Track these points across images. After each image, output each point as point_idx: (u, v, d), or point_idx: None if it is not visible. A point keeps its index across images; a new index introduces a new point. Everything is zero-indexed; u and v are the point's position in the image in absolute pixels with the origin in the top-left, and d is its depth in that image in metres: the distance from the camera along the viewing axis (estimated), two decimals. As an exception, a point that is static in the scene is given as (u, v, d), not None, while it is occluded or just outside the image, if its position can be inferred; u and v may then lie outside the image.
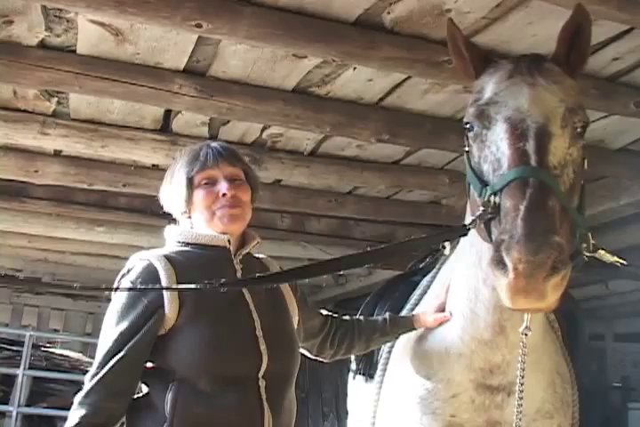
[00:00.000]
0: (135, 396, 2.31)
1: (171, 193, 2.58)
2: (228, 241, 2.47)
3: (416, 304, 3.07)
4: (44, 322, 10.36)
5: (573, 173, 2.11)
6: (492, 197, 2.05)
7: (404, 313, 3.08)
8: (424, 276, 3.20)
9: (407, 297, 3.21)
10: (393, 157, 5.11)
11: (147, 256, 2.38)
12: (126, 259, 2.46)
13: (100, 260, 8.05)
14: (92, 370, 2.23)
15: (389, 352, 3.03)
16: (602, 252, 2.22)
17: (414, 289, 3.19)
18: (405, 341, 2.93)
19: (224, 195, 2.47)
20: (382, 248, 2.33)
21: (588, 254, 2.17)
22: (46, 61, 3.62)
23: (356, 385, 3.51)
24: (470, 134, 2.26)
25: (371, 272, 7.78)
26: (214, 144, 2.61)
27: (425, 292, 3.08)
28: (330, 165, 5.10)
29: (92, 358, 2.44)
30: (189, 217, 2.55)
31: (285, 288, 2.64)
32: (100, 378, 2.19)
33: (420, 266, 3.53)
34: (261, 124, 4.45)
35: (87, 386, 2.20)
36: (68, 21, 3.42)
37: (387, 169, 5.23)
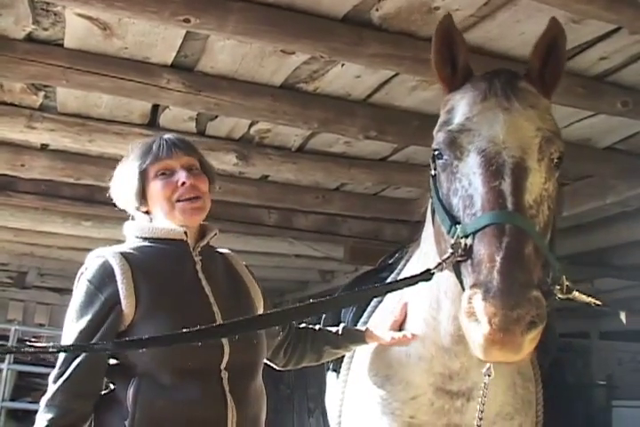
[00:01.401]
0: (102, 393, 2.29)
1: (122, 188, 2.53)
2: (185, 233, 2.44)
3: (380, 302, 3.01)
4: (29, 316, 10.36)
5: (548, 210, 1.98)
6: (464, 238, 1.89)
7: (366, 312, 3.04)
8: (392, 272, 3.15)
9: None
10: (380, 153, 5.11)
11: (103, 253, 2.38)
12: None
13: (86, 254, 7.97)
14: (56, 370, 2.21)
15: (354, 351, 3.00)
16: (576, 293, 2.04)
17: None
18: None
19: (183, 184, 2.43)
20: (347, 294, 2.34)
21: (562, 296, 2.01)
22: (33, 55, 3.60)
23: (329, 381, 3.51)
24: (439, 162, 2.09)
25: (357, 269, 7.79)
26: (167, 136, 2.57)
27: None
28: (317, 161, 5.10)
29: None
30: (147, 212, 2.53)
31: (248, 278, 2.63)
32: (66, 379, 2.17)
33: (390, 262, 3.52)
34: (249, 120, 4.45)
35: (53, 387, 2.17)
36: (55, 15, 3.40)
37: (374, 166, 5.23)
